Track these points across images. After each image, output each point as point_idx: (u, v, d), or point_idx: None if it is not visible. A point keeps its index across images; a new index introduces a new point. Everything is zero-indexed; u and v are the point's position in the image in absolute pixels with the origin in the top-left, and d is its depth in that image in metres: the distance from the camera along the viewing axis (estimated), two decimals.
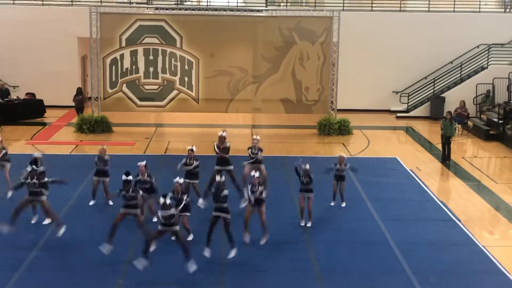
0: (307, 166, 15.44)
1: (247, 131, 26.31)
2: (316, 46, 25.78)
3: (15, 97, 28.07)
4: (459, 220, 16.23)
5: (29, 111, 27.65)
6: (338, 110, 26.13)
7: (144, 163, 15.30)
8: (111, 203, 16.42)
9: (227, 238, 13.83)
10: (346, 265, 13.55)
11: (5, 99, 27.34)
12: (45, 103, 28.26)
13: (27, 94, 28.48)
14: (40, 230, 14.93)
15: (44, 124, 26.84)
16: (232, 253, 13.74)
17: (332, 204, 16.99)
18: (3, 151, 17.53)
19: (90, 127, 25.05)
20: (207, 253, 13.68)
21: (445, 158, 21.98)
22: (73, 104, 26.97)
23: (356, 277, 13.01)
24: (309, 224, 15.58)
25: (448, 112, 22.89)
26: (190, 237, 14.45)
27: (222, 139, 17.16)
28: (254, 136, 17.80)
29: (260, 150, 17.34)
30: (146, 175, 15.20)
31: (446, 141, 22.00)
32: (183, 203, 13.74)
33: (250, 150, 17.31)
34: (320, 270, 13.25)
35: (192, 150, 16.23)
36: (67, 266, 13.26)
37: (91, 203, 16.66)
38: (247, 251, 14.09)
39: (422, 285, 12.69)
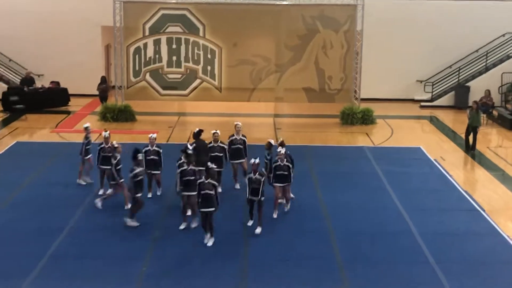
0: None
1: (269, 120, 26.28)
2: (340, 35, 25.63)
3: (39, 86, 28.32)
4: (483, 210, 16.10)
5: (54, 99, 27.89)
6: (362, 99, 26.01)
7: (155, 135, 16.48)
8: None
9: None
10: (369, 255, 13.50)
11: (30, 87, 27.59)
12: (70, 92, 28.47)
13: (51, 82, 28.72)
14: (64, 217, 15.07)
15: (68, 113, 27.05)
16: (258, 230, 14.40)
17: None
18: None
19: (114, 115, 25.20)
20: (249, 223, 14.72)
21: (469, 148, 21.80)
22: (97, 92, 27.13)
23: (379, 267, 12.96)
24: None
25: (474, 101, 22.66)
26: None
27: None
28: (237, 122, 17.36)
29: (244, 138, 17.08)
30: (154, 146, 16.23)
31: (473, 130, 21.77)
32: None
33: (231, 139, 16.88)
34: (342, 260, 13.21)
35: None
36: (91, 254, 13.35)
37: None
38: (269, 240, 14.11)
39: (445, 275, 12.62)
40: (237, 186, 17.07)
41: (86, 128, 17.36)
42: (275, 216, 15.29)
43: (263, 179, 14.41)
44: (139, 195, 14.59)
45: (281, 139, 16.03)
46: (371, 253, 13.59)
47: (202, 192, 13.56)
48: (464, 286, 12.27)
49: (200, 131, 16.40)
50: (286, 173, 15.08)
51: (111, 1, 25.18)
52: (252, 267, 12.88)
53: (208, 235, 13.82)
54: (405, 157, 20.83)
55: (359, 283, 12.32)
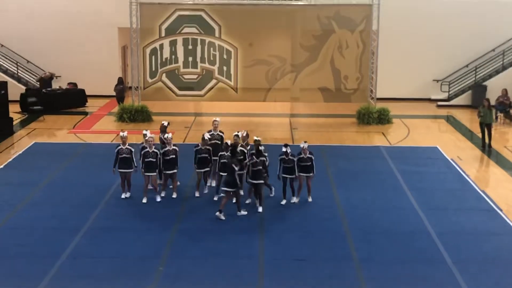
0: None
1: (285, 120, 26.31)
2: (355, 34, 25.60)
3: (57, 87, 28.54)
4: (501, 210, 16.01)
5: (71, 100, 28.09)
6: (378, 98, 25.94)
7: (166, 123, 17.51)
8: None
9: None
10: (385, 255, 13.48)
11: (48, 88, 27.81)
12: (87, 93, 28.65)
13: (69, 83, 28.95)
14: (81, 217, 15.18)
15: (85, 114, 27.23)
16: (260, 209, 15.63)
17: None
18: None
19: (131, 116, 25.34)
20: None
21: (485, 145, 21.78)
22: (114, 93, 27.29)
23: (396, 267, 12.94)
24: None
25: (486, 99, 22.75)
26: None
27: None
28: (215, 119, 17.50)
29: (221, 134, 17.23)
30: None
31: (487, 127, 21.79)
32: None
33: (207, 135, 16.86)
34: (359, 259, 13.20)
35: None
36: (108, 254, 13.44)
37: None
38: (285, 240, 14.14)
39: (462, 274, 12.57)
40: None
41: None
42: (296, 200, 16.27)
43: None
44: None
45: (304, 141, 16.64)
46: (387, 253, 13.57)
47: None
48: (481, 286, 12.21)
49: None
50: (308, 163, 16.04)
51: (127, 3, 25.32)
52: (268, 266, 12.89)
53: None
54: (421, 156, 20.76)
55: (376, 283, 12.30)
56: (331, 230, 14.71)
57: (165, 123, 17.65)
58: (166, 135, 16.61)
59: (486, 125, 21.85)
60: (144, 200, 16.20)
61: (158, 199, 16.34)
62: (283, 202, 16.21)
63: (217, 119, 17.54)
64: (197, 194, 16.62)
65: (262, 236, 14.27)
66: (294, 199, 16.31)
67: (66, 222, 15.00)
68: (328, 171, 18.84)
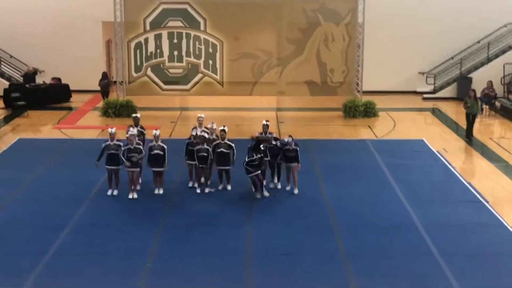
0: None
1: (271, 114, 26.26)
2: (341, 27, 25.58)
3: (41, 82, 28.31)
4: (487, 202, 16.07)
5: (55, 95, 27.89)
6: (364, 92, 25.94)
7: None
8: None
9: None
10: (372, 248, 13.48)
11: (32, 84, 27.58)
12: (71, 88, 28.47)
13: (53, 78, 28.72)
14: (68, 214, 15.06)
15: (70, 109, 27.05)
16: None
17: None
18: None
19: (116, 111, 25.18)
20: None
21: (468, 136, 22.11)
22: (98, 88, 27.12)
23: (383, 260, 12.95)
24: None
25: (472, 89, 23.00)
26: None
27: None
28: (199, 115, 17.53)
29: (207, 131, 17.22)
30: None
31: (473, 118, 22.13)
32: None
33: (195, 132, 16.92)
34: (346, 252, 13.20)
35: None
36: (94, 250, 13.36)
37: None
38: (273, 234, 14.11)
39: (449, 267, 12.60)
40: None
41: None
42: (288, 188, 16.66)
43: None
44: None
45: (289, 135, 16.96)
46: (374, 246, 13.58)
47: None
48: (468, 278, 12.25)
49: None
50: (293, 155, 16.44)
51: None
52: (255, 261, 12.87)
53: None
54: (408, 149, 20.80)
55: (363, 276, 12.30)
56: (319, 224, 14.69)
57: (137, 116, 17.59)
58: (154, 132, 16.41)
59: (472, 116, 22.05)
60: (130, 196, 16.10)
61: (134, 196, 16.23)
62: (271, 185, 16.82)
63: (202, 115, 17.48)
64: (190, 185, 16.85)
65: (250, 231, 14.23)
66: (276, 182, 16.88)
67: (52, 219, 14.88)
68: (315, 165, 18.82)
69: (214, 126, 16.94)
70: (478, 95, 26.11)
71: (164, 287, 11.91)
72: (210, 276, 12.31)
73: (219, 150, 16.27)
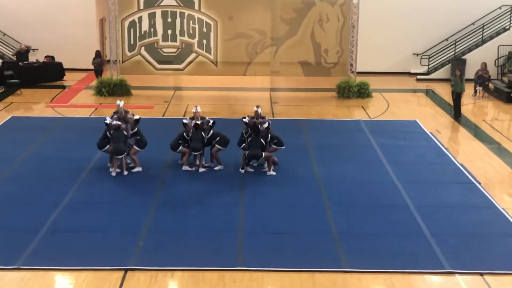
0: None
1: (265, 94, 26.23)
2: (336, 8, 25.49)
3: (34, 60, 28.17)
4: (479, 183, 16.14)
5: (49, 74, 27.75)
6: (358, 72, 25.92)
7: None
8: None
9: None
10: (364, 228, 13.54)
11: (25, 61, 27.44)
12: (64, 66, 28.33)
13: (46, 57, 28.56)
14: (60, 192, 15.07)
15: (63, 87, 26.94)
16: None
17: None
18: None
19: (109, 90, 25.10)
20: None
21: (456, 115, 22.38)
22: (92, 67, 27.01)
23: (375, 240, 13.01)
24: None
25: (458, 69, 23.51)
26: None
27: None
28: (195, 108, 17.26)
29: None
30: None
31: (457, 97, 22.41)
32: None
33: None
34: (338, 232, 13.26)
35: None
36: (87, 228, 13.37)
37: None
38: (265, 214, 14.15)
39: (441, 247, 12.68)
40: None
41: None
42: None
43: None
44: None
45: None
46: (366, 226, 13.64)
47: None
48: (459, 258, 12.32)
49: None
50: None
51: None
52: (247, 240, 12.91)
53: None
54: (401, 130, 20.83)
55: (354, 256, 12.36)
56: (311, 204, 14.74)
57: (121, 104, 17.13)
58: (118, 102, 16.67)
59: (456, 95, 22.44)
60: (114, 174, 16.21)
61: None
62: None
63: (198, 109, 17.19)
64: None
65: (242, 210, 14.28)
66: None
67: (44, 196, 14.89)
68: (308, 145, 18.85)
69: (199, 109, 16.91)
70: (472, 76, 26.25)
71: (156, 265, 11.95)
72: (202, 254, 12.35)
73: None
